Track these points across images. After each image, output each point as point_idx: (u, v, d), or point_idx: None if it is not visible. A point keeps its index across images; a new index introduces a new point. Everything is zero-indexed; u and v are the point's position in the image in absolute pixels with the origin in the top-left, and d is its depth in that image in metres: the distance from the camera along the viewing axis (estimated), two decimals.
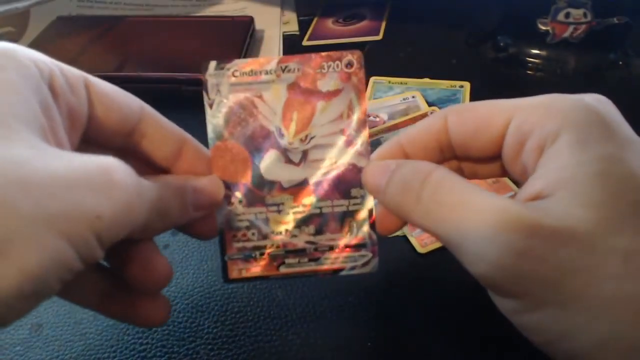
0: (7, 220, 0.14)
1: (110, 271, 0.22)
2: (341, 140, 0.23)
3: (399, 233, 0.32)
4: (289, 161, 0.24)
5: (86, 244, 0.16)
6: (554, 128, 0.19)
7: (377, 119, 0.42)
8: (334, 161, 0.24)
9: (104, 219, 0.16)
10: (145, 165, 0.23)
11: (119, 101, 0.22)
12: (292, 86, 0.23)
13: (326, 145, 0.23)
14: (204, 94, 0.23)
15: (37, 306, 0.16)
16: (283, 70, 0.23)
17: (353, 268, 0.24)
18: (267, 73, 0.23)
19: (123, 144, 0.22)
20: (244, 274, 0.24)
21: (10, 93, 0.17)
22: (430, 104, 0.43)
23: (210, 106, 0.23)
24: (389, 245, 0.32)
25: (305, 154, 0.23)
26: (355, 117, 0.23)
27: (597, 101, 0.20)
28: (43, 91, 0.18)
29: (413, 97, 0.44)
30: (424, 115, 0.42)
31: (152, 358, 0.27)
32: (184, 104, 0.36)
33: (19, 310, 0.15)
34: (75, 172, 0.16)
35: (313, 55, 0.23)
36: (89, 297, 0.22)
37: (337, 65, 0.23)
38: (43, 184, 0.15)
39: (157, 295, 0.23)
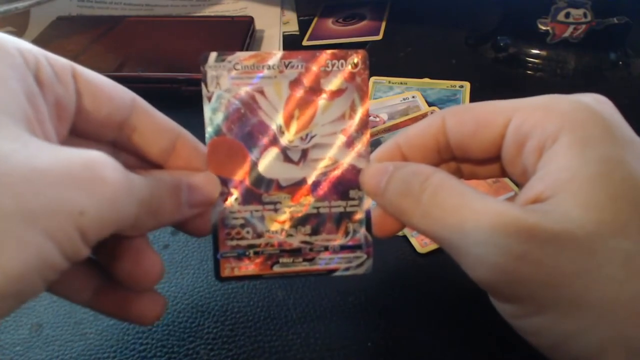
0: None
1: (101, 266, 0.22)
2: (342, 141, 0.23)
3: (399, 233, 0.32)
4: (288, 159, 0.23)
5: (70, 241, 0.15)
6: (553, 129, 0.19)
7: (377, 119, 0.42)
8: (334, 161, 0.23)
9: (88, 215, 0.15)
10: (138, 159, 0.23)
11: (109, 92, 0.21)
12: (295, 83, 0.23)
13: (326, 145, 0.23)
14: (203, 86, 0.22)
15: (20, 306, 0.15)
16: (286, 66, 0.22)
17: (347, 269, 0.24)
18: (269, 68, 0.22)
19: (114, 137, 0.22)
20: (237, 273, 0.24)
21: None
22: (430, 104, 0.43)
23: (209, 99, 0.22)
24: (389, 246, 0.32)
25: (305, 152, 0.23)
26: (357, 118, 0.23)
27: (596, 101, 0.20)
28: (28, 81, 0.18)
29: (413, 97, 0.44)
30: (424, 115, 0.42)
31: (152, 358, 0.27)
32: (184, 104, 0.36)
33: (1, 310, 0.15)
34: (58, 166, 0.15)
35: (317, 52, 0.23)
36: (81, 293, 0.22)
37: (342, 64, 0.23)
38: (25, 179, 0.14)
39: (151, 291, 0.23)
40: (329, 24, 0.57)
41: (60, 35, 0.51)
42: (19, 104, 0.17)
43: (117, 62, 0.46)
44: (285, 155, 0.23)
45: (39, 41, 0.50)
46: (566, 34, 0.47)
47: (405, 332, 0.28)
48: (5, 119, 0.16)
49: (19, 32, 0.54)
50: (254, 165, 0.23)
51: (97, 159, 0.16)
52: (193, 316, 0.29)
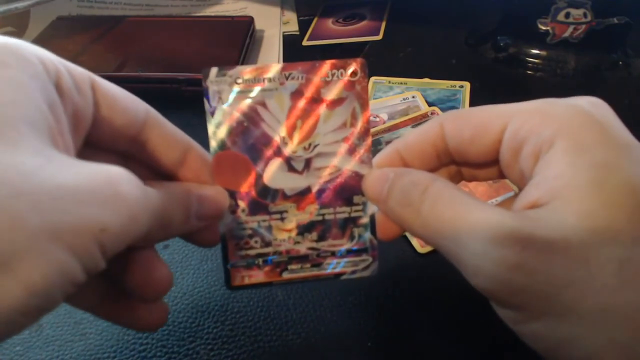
0: (14, 234, 0.14)
1: (108, 274, 0.22)
2: (344, 149, 0.23)
3: None
4: (292, 169, 0.23)
5: (91, 256, 0.15)
6: (549, 134, 0.19)
7: (377, 119, 0.42)
8: (337, 169, 0.23)
9: (109, 231, 0.16)
10: (148, 170, 0.23)
11: (125, 104, 0.21)
12: (296, 94, 0.23)
13: (329, 154, 0.23)
14: (205, 101, 0.23)
15: (39, 320, 0.15)
16: (287, 78, 0.23)
17: (354, 272, 0.24)
18: (270, 80, 0.23)
19: (126, 148, 0.22)
20: (247, 281, 0.24)
21: (17, 92, 0.16)
22: (430, 104, 0.43)
23: (212, 114, 0.23)
24: (389, 245, 0.32)
25: (308, 162, 0.23)
26: (359, 125, 0.23)
27: (592, 105, 0.20)
28: (49, 91, 0.17)
29: (413, 97, 0.44)
30: (424, 115, 0.42)
31: (152, 358, 0.27)
32: (184, 104, 0.36)
33: (21, 325, 0.15)
34: (82, 183, 0.16)
35: (317, 63, 0.23)
36: (86, 300, 0.22)
37: (341, 74, 0.23)
38: (50, 196, 0.15)
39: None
40: (329, 24, 0.57)
41: (60, 35, 0.51)
42: (41, 115, 0.16)
43: (117, 62, 0.46)
44: (289, 165, 0.23)
45: (39, 41, 0.50)
46: (566, 34, 0.47)
47: (405, 332, 0.28)
48: (27, 131, 0.15)
49: (19, 32, 0.54)
50: (259, 176, 0.23)
51: (118, 175, 0.17)
52: (193, 316, 0.29)
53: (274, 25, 0.56)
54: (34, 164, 0.15)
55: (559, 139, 0.19)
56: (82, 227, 0.15)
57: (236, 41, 0.49)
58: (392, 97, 0.44)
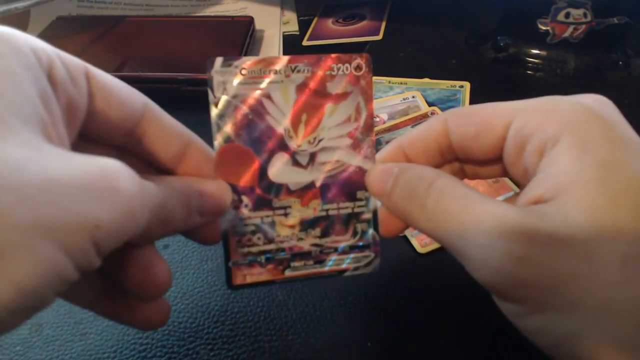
0: (2, 231, 0.13)
1: (105, 271, 0.21)
2: (348, 143, 0.23)
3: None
4: (296, 164, 0.23)
5: (84, 254, 0.15)
6: (554, 131, 0.19)
7: (377, 119, 0.42)
8: (341, 164, 0.23)
9: (103, 228, 0.15)
10: (146, 164, 0.22)
11: (121, 95, 0.20)
12: (301, 87, 0.22)
13: (333, 148, 0.23)
14: (209, 92, 0.22)
15: (30, 318, 0.15)
16: (292, 71, 0.22)
17: (357, 269, 0.24)
18: (276, 73, 0.22)
19: (123, 141, 0.21)
20: (249, 280, 0.23)
21: (8, 84, 0.15)
22: (430, 104, 0.43)
23: (216, 105, 0.22)
24: (389, 245, 0.32)
25: (313, 156, 0.23)
26: (363, 120, 0.23)
27: (597, 102, 0.20)
28: (42, 82, 0.17)
29: (413, 97, 0.44)
30: (424, 115, 0.42)
31: (152, 358, 0.27)
32: (184, 104, 0.36)
33: (11, 325, 0.14)
34: (74, 176, 0.15)
35: (323, 56, 0.23)
36: (84, 296, 0.21)
37: (347, 68, 0.23)
38: (41, 191, 0.14)
39: None
40: (329, 24, 0.57)
41: (60, 35, 0.51)
42: (33, 107, 0.16)
43: (117, 62, 0.46)
44: (294, 159, 0.23)
45: None
46: (566, 34, 0.47)
47: (405, 332, 0.28)
48: (17, 124, 0.15)
49: None
50: (263, 170, 0.23)
51: (113, 168, 0.16)
52: (193, 316, 0.29)
53: (274, 25, 0.56)
54: (22, 156, 0.14)
55: (564, 135, 0.19)
56: (74, 224, 0.14)
57: (236, 41, 0.49)
58: (392, 97, 0.44)
